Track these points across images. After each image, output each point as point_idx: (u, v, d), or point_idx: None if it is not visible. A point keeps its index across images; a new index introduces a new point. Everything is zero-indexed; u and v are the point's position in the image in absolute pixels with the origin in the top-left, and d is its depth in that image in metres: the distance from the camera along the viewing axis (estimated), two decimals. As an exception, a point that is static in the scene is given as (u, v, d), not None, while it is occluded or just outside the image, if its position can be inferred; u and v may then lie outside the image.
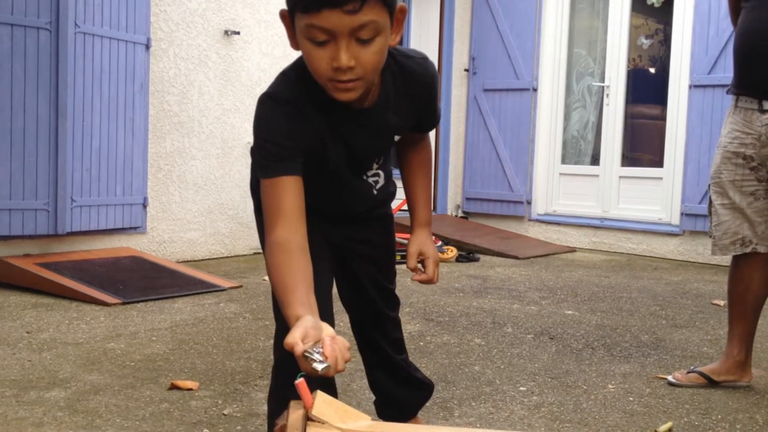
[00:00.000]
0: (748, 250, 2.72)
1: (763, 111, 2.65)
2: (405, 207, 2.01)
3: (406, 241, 1.89)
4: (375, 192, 1.82)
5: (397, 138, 1.75)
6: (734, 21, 2.84)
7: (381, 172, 1.81)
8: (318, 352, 1.22)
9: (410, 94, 1.67)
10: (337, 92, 1.44)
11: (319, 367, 1.20)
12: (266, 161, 1.54)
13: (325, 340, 1.25)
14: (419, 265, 1.84)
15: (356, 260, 1.93)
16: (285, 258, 1.47)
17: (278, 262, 1.47)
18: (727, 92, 2.81)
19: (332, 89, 1.45)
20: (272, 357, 1.82)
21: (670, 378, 2.82)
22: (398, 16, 1.46)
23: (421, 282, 1.82)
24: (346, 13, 1.33)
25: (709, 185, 2.83)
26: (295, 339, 1.23)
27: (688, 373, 2.81)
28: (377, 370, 2.07)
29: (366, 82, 1.46)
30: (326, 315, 1.73)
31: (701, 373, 2.79)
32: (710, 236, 2.83)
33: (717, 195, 2.77)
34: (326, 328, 1.30)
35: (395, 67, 1.62)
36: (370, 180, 1.80)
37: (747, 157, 2.69)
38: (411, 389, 2.10)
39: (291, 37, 1.47)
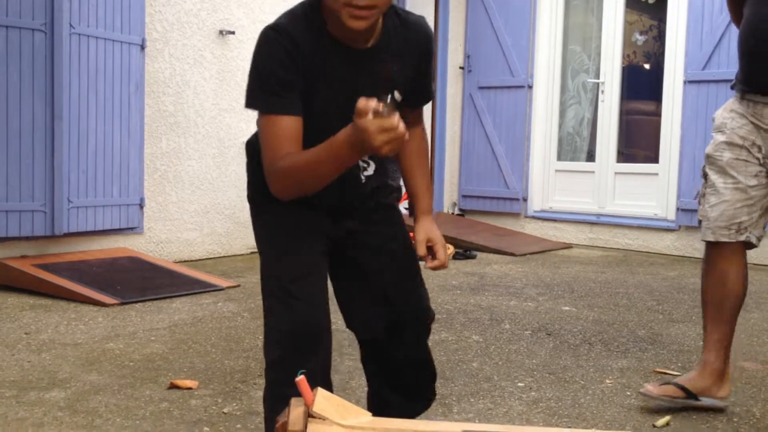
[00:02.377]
0: (742, 238, 2.48)
1: None
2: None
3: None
4: (362, 179, 1.78)
5: (398, 97, 1.71)
6: (735, 18, 2.69)
7: (371, 162, 1.78)
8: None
9: (409, 45, 1.70)
10: (352, 20, 1.49)
11: (389, 98, 1.37)
12: (266, 95, 1.58)
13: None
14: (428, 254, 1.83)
15: (364, 253, 1.85)
16: (297, 154, 1.55)
17: (296, 158, 1.53)
18: (732, 87, 2.62)
19: (347, 17, 1.49)
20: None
21: (642, 391, 2.51)
22: None
23: (434, 268, 1.81)
24: None
25: (704, 167, 2.59)
26: (368, 100, 1.34)
27: (663, 384, 2.50)
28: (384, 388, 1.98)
29: (378, 13, 1.52)
30: (324, 312, 1.72)
31: (678, 385, 2.48)
32: (701, 218, 2.58)
33: (717, 174, 2.52)
34: None
35: (396, 17, 1.66)
36: (360, 163, 1.75)
37: (754, 146, 2.48)
38: (411, 402, 2.00)
39: None
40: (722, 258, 2.52)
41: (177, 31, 5.19)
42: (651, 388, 2.49)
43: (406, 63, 1.71)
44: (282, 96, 1.57)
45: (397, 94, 1.72)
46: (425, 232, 1.83)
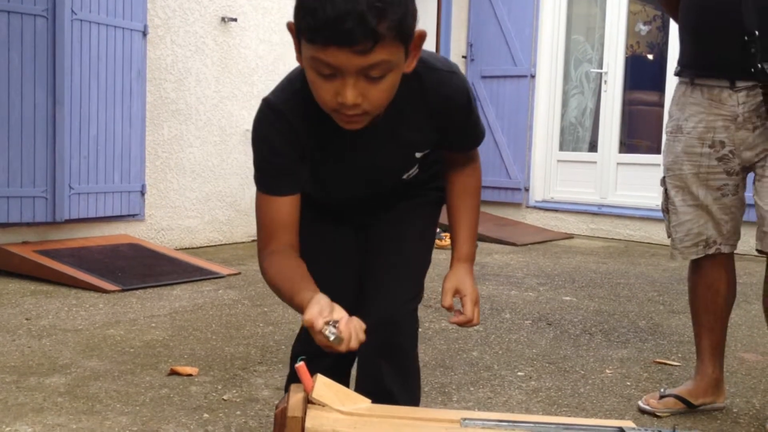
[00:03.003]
0: (712, 251, 2.33)
1: (736, 89, 2.20)
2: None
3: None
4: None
5: (419, 155, 1.58)
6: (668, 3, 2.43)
7: (413, 169, 1.64)
8: (334, 326, 1.25)
9: (431, 109, 1.50)
10: (342, 123, 1.36)
11: (330, 336, 1.22)
12: (261, 175, 1.51)
13: (342, 318, 1.27)
14: (458, 305, 1.64)
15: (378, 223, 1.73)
16: (284, 261, 1.46)
17: (278, 266, 1.46)
18: (678, 74, 2.35)
19: (337, 119, 1.36)
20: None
21: (641, 404, 2.41)
22: (416, 43, 1.34)
23: (459, 324, 1.61)
24: (355, 53, 1.22)
25: (664, 178, 2.41)
26: (314, 314, 1.25)
27: (663, 398, 2.39)
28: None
29: (373, 115, 1.36)
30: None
31: (678, 397, 2.37)
32: (669, 236, 2.42)
33: (677, 190, 2.35)
34: (339, 309, 1.30)
35: (415, 80, 1.45)
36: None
37: (716, 144, 2.25)
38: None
39: (297, 51, 1.35)
40: (711, 265, 2.37)
41: (179, 17, 5.17)
42: (652, 401, 2.39)
43: (429, 127, 1.54)
44: (276, 177, 1.49)
45: (417, 154, 1.58)
46: (456, 281, 1.66)
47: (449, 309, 1.61)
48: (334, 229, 1.73)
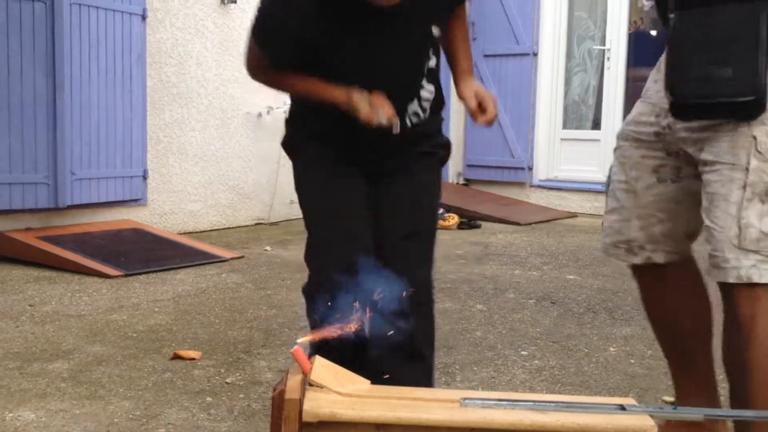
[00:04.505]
0: (638, 260, 1.77)
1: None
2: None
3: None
4: (408, 122, 1.74)
5: (436, 31, 1.70)
6: None
7: (420, 112, 1.75)
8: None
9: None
10: None
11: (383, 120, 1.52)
12: (264, 53, 1.65)
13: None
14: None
15: (393, 192, 1.79)
16: (290, 73, 1.62)
17: (287, 75, 1.63)
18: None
19: None
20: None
21: None
22: None
23: (486, 123, 1.72)
24: None
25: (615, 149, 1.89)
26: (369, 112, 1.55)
27: None
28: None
29: None
30: (362, 237, 1.68)
31: None
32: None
33: (619, 167, 1.81)
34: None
35: None
36: (409, 108, 1.73)
37: (662, 112, 1.71)
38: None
39: None
40: (655, 280, 1.81)
41: (178, 0, 5.14)
42: None
43: (438, 11, 1.69)
44: (278, 49, 1.63)
45: (435, 30, 1.72)
46: (471, 87, 1.76)
47: (473, 112, 1.72)
48: (346, 174, 1.77)
